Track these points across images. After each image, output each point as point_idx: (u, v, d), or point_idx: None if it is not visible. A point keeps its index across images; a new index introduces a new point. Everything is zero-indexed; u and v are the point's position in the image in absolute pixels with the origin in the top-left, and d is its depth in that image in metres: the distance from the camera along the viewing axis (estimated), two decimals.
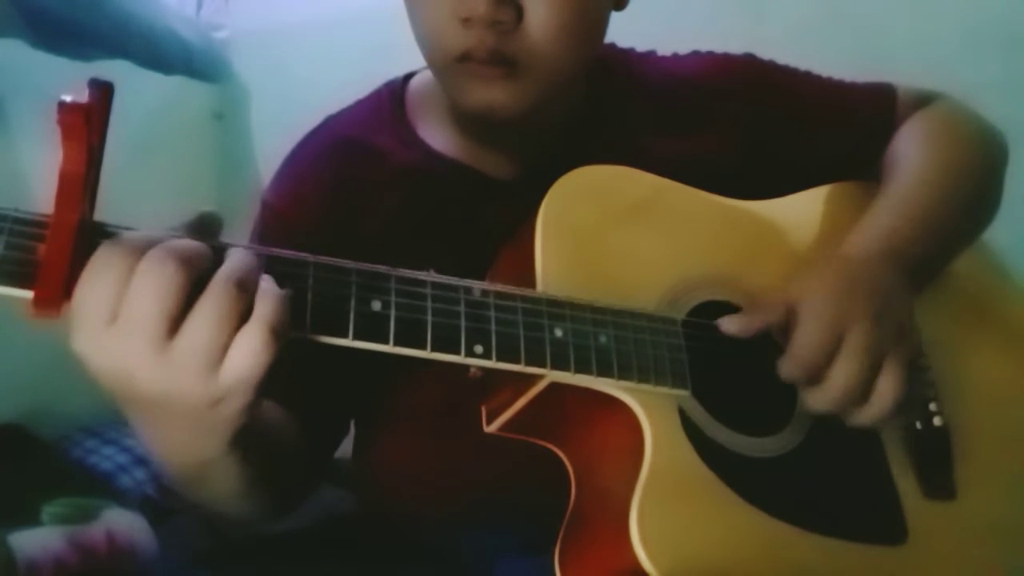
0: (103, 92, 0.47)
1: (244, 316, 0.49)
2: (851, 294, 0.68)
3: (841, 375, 0.65)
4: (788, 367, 0.66)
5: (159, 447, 0.57)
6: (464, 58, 0.71)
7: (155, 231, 0.50)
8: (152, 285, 0.46)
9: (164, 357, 0.48)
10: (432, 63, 0.76)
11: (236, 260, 0.50)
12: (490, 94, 0.72)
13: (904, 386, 0.67)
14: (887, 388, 0.66)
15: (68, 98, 0.45)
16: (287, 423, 0.73)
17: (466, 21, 0.69)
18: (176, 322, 0.47)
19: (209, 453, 0.56)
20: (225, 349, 0.48)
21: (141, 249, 0.48)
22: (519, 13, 0.69)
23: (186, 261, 0.48)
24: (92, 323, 0.47)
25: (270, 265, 0.52)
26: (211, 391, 0.49)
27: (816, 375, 0.66)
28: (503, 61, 0.70)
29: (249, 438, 0.56)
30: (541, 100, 0.74)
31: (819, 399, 0.66)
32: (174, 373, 0.48)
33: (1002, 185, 0.88)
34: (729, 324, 0.70)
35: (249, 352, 0.48)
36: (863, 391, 0.66)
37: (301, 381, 0.69)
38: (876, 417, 0.67)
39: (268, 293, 0.50)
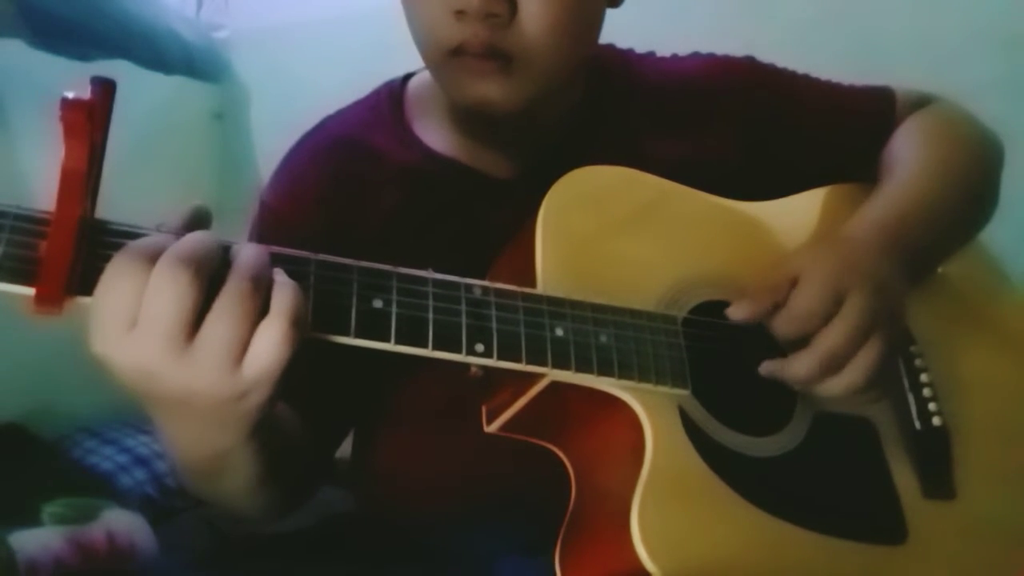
0: (106, 89, 0.47)
1: (261, 310, 0.50)
2: (853, 266, 0.69)
3: (832, 336, 0.66)
4: (783, 322, 0.67)
5: (179, 441, 0.58)
6: (458, 51, 0.71)
7: (165, 235, 0.51)
8: (168, 291, 0.47)
9: (185, 358, 0.48)
10: (427, 57, 0.76)
11: (248, 256, 0.51)
12: (485, 89, 0.72)
13: (881, 364, 0.67)
14: (864, 361, 0.66)
15: (71, 95, 0.45)
16: (293, 420, 0.73)
17: (460, 14, 0.69)
18: (194, 324, 0.48)
19: (228, 445, 0.57)
20: (245, 344, 0.49)
21: (155, 254, 0.48)
22: (513, 7, 0.69)
23: (200, 263, 0.48)
24: (111, 329, 0.48)
25: (271, 263, 0.52)
26: (235, 386, 0.50)
27: (809, 333, 0.66)
28: (497, 55, 0.70)
29: (264, 431, 0.57)
30: (537, 96, 0.74)
31: (803, 361, 0.66)
32: (196, 372, 0.49)
33: (999, 185, 0.89)
34: (738, 311, 0.69)
35: (272, 345, 0.49)
36: (847, 357, 0.66)
37: (305, 379, 0.69)
38: (845, 388, 0.67)
39: (285, 286, 0.51)
